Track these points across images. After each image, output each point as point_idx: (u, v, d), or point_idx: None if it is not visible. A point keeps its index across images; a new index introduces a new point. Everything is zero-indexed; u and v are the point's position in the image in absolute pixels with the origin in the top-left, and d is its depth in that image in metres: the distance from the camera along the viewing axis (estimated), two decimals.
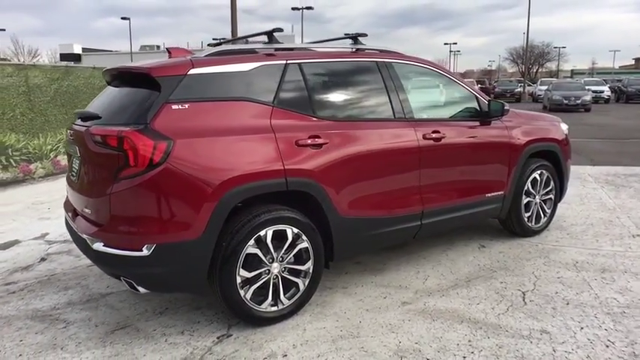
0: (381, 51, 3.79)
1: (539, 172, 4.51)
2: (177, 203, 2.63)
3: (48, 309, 3.31)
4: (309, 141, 3.02)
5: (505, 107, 4.16)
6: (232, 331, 2.95)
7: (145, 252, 2.59)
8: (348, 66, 3.50)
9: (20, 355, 2.74)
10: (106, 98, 3.17)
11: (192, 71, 2.80)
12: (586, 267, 3.83)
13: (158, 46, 54.98)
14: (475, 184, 4.03)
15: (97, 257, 2.74)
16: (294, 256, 3.02)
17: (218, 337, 2.88)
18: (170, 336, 2.91)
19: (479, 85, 35.58)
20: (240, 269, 2.81)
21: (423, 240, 4.47)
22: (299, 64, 3.19)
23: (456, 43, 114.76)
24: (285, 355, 2.68)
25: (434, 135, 3.66)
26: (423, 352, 2.67)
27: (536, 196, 4.55)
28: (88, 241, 2.74)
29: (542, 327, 2.90)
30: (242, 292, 2.85)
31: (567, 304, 3.21)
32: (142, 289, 2.75)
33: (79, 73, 10.23)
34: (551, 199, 4.70)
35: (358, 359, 2.62)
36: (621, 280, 3.56)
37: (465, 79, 4.70)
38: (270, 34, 3.35)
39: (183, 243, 2.64)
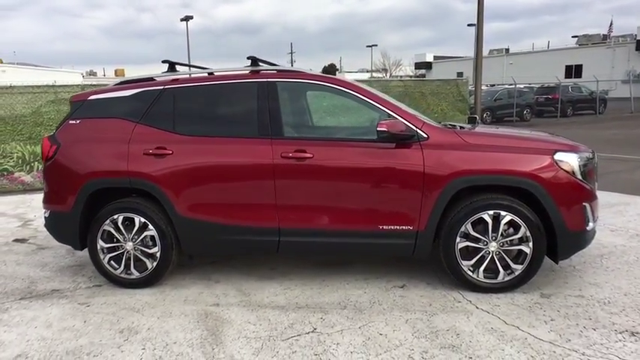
0: (279, 71, 3.98)
1: (491, 212, 3.52)
2: (58, 186, 4.00)
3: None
4: (151, 151, 3.79)
5: (407, 131, 3.54)
6: (107, 284, 4.08)
7: (47, 215, 4.09)
8: (225, 88, 3.95)
9: None
10: None
11: (91, 97, 4.06)
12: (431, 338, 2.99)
13: (507, 49, 54.47)
14: (358, 212, 3.66)
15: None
16: (142, 240, 3.89)
17: (95, 285, 4.08)
18: (79, 275, 4.30)
19: None
20: (99, 240, 3.92)
21: (359, 261, 4.27)
22: (174, 88, 3.95)
23: None
24: (89, 305, 3.66)
25: (295, 154, 3.64)
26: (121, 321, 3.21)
27: (490, 243, 3.56)
28: None
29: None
30: (102, 256, 3.94)
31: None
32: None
33: None
34: (523, 251, 3.54)
35: (104, 318, 3.38)
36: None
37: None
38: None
39: (61, 212, 3.99)
